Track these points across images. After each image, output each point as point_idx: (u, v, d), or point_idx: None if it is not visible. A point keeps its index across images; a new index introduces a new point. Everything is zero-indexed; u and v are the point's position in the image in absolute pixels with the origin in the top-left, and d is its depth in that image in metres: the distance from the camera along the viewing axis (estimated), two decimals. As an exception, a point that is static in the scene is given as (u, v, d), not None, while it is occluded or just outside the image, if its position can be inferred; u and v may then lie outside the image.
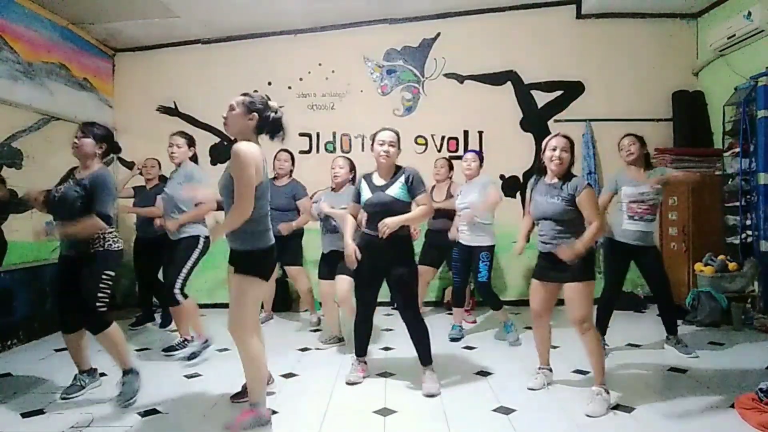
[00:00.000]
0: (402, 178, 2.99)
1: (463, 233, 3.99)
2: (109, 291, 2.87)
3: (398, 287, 3.02)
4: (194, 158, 3.79)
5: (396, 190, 2.98)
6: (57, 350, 3.95)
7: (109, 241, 2.85)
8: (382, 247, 2.92)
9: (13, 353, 3.91)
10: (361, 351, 3.23)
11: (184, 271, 3.59)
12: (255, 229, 2.44)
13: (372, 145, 3.05)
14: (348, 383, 3.11)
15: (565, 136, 2.85)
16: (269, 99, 2.64)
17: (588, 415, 2.60)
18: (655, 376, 3.23)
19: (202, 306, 4.45)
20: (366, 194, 3.04)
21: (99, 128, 2.95)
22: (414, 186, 2.96)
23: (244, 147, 2.34)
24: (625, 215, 3.53)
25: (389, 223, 2.85)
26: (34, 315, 4.24)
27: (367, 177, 3.13)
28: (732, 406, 2.64)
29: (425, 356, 3.04)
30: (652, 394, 2.89)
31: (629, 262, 3.62)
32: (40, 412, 2.73)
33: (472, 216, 3.85)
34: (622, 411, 2.66)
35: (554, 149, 2.80)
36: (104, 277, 2.83)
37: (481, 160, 4.14)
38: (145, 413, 2.70)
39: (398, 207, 2.95)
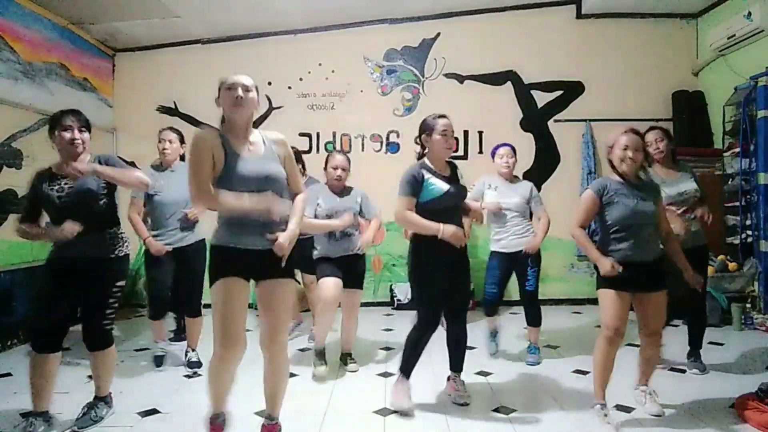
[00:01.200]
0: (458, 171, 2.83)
1: (503, 239, 3.54)
2: (117, 305, 2.58)
3: (462, 286, 2.82)
4: (182, 157, 3.51)
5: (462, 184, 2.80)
6: (57, 350, 3.95)
7: (127, 242, 2.63)
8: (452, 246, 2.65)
9: (13, 353, 3.91)
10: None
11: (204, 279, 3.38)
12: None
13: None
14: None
15: (637, 133, 2.61)
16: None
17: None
18: (655, 376, 3.22)
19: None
20: (440, 186, 2.68)
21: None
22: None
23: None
24: None
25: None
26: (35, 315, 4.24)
27: (425, 167, 2.74)
28: (732, 406, 2.64)
29: (460, 363, 2.88)
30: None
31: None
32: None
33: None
34: (622, 411, 2.66)
35: (625, 148, 2.52)
36: (116, 289, 2.54)
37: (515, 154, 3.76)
38: (145, 413, 2.70)
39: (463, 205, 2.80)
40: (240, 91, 2.16)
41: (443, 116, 2.76)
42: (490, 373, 3.30)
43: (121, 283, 2.59)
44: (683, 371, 3.26)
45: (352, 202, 3.37)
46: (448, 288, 2.68)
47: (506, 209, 3.54)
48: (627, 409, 2.68)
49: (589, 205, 2.53)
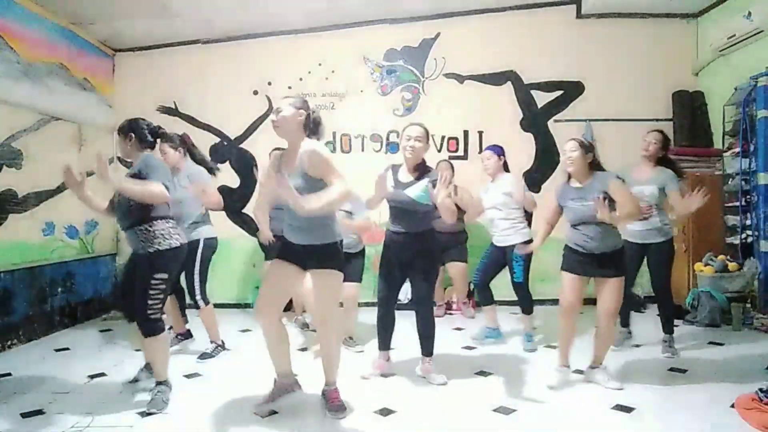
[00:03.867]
0: (426, 180, 2.92)
1: (494, 234, 3.90)
2: (161, 296, 2.75)
3: (417, 281, 3.08)
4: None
5: (418, 191, 2.92)
6: (57, 350, 3.95)
7: (159, 239, 2.72)
8: (406, 243, 2.99)
9: (13, 353, 3.91)
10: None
11: (197, 275, 3.61)
12: (332, 221, 2.58)
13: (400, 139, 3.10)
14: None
15: (576, 139, 2.95)
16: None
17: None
18: (655, 376, 3.23)
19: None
20: (389, 187, 2.99)
21: (125, 123, 2.92)
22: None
23: (317, 146, 2.51)
24: None
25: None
26: (34, 315, 4.24)
27: (395, 168, 3.11)
28: (732, 406, 2.64)
29: (428, 348, 3.17)
30: (652, 394, 2.89)
31: (640, 259, 3.63)
32: (40, 412, 2.73)
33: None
34: (622, 411, 2.66)
35: (563, 152, 2.92)
36: (154, 281, 2.69)
37: (500, 155, 3.89)
38: (145, 413, 2.70)
39: (417, 209, 2.94)
40: (273, 116, 2.52)
41: (416, 124, 3.07)
42: (490, 373, 3.30)
43: (161, 275, 2.72)
44: (683, 371, 3.26)
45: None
46: (410, 280, 3.13)
47: (491, 208, 3.80)
48: (627, 409, 2.68)
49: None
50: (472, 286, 4.72)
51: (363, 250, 3.93)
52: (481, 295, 4.05)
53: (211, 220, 3.85)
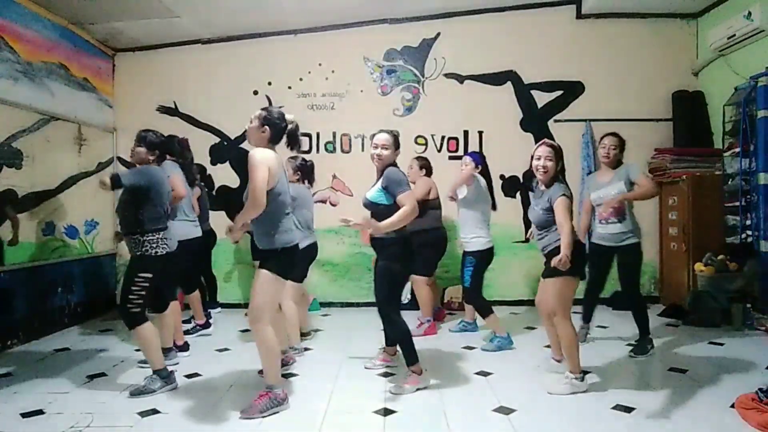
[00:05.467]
0: (380, 181, 2.99)
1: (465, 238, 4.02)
2: (143, 293, 2.99)
3: (376, 285, 3.12)
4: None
5: (373, 192, 3.00)
6: (57, 350, 3.95)
7: (146, 246, 3.02)
8: (374, 246, 3.07)
9: (13, 353, 3.91)
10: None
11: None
12: (273, 230, 2.66)
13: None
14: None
15: (551, 145, 2.98)
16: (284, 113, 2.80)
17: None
18: (655, 376, 3.23)
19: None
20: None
21: (152, 136, 3.26)
22: (390, 187, 2.92)
23: (257, 152, 2.59)
24: (596, 219, 3.68)
25: (371, 230, 2.92)
26: (34, 315, 4.24)
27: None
28: (732, 406, 2.64)
29: (405, 357, 3.05)
30: (652, 394, 2.89)
31: (608, 261, 3.73)
32: (40, 412, 2.73)
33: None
34: (622, 411, 2.66)
35: (539, 158, 2.94)
36: (138, 278, 2.99)
37: (478, 164, 4.01)
38: (145, 413, 2.70)
39: (378, 210, 2.96)
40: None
41: (381, 131, 3.09)
42: (490, 373, 3.30)
43: (145, 275, 2.99)
44: (683, 371, 3.26)
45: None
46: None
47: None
48: (627, 409, 2.68)
49: None
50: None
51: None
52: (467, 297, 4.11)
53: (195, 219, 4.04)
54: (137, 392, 2.94)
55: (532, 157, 2.99)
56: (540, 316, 3.26)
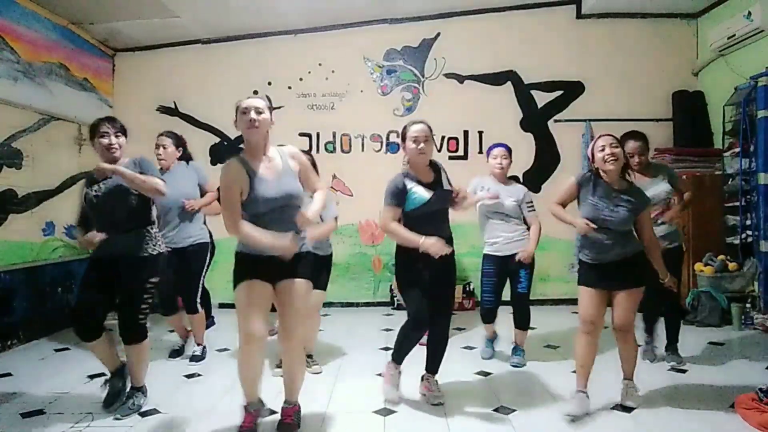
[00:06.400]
0: (444, 176, 2.77)
1: (496, 242, 3.48)
2: (152, 300, 2.75)
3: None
4: (184, 159, 3.64)
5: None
6: (57, 350, 3.95)
7: (159, 242, 2.79)
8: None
9: (13, 353, 3.91)
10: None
11: (203, 279, 3.62)
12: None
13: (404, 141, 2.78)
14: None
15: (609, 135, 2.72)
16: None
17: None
18: (655, 376, 3.23)
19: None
20: (422, 194, 2.64)
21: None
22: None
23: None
24: None
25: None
26: (34, 315, 4.24)
27: (409, 175, 2.72)
28: (732, 406, 2.64)
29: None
30: (652, 394, 2.89)
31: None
32: (40, 412, 2.73)
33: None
34: (622, 411, 2.66)
35: (602, 149, 2.62)
36: (149, 285, 2.71)
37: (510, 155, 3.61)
38: (145, 413, 2.70)
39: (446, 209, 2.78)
40: (253, 114, 2.30)
41: (418, 122, 2.76)
42: (490, 373, 3.30)
43: (154, 279, 2.73)
44: (683, 371, 3.26)
45: None
46: (430, 294, 2.69)
47: (497, 211, 3.47)
48: (627, 409, 2.68)
49: (569, 189, 2.73)
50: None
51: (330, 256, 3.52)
52: (491, 316, 3.62)
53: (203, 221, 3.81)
54: (127, 413, 2.68)
55: (602, 148, 2.63)
56: (591, 332, 2.67)
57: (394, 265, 2.84)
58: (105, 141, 2.69)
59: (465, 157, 5.56)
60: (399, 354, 2.84)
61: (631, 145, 3.23)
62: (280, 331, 2.43)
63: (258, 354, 2.38)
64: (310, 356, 3.38)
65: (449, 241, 2.70)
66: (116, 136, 2.73)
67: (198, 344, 3.69)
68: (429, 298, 2.68)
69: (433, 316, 2.71)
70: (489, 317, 3.62)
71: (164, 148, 3.54)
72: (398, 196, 2.63)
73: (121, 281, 2.67)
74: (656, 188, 3.22)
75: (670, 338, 3.47)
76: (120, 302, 2.70)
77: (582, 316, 2.66)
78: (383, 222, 2.67)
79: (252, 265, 2.33)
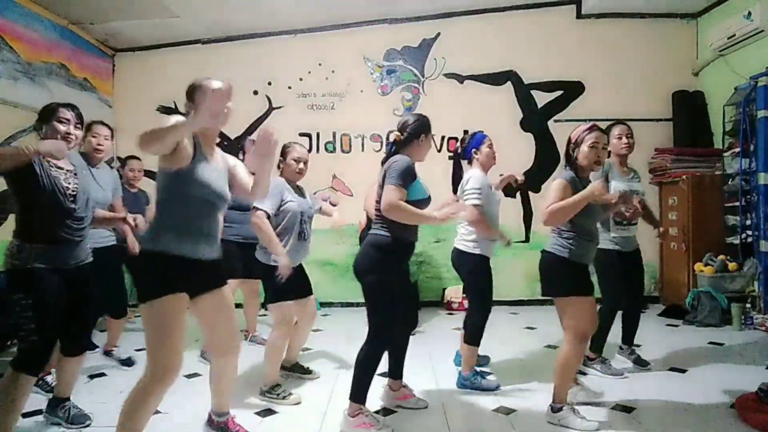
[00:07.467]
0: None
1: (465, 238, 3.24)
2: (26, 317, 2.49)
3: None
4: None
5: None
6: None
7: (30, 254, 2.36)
8: None
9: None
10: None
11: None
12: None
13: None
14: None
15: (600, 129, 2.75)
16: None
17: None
18: (654, 376, 3.22)
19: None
20: (425, 189, 2.48)
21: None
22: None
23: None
24: (612, 221, 3.11)
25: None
26: (34, 315, 4.22)
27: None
28: (732, 406, 2.64)
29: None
30: (652, 394, 2.89)
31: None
32: (40, 412, 2.73)
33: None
34: (622, 411, 2.66)
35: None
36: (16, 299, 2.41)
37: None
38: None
39: None
40: (230, 103, 2.07)
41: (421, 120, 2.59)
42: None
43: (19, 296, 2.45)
44: (683, 371, 3.26)
45: (311, 200, 3.08)
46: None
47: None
48: (627, 410, 2.68)
49: (563, 191, 2.44)
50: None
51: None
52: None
53: None
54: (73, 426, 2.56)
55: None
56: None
57: (372, 268, 2.54)
58: (63, 128, 2.38)
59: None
60: (364, 389, 2.48)
61: (619, 128, 3.27)
62: (219, 346, 2.19)
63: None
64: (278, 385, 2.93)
65: None
66: (75, 127, 2.43)
67: (116, 346, 3.74)
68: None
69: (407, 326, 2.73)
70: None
71: (105, 138, 3.08)
72: (410, 178, 2.36)
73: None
74: (632, 186, 3.21)
75: (628, 339, 3.37)
76: (79, 314, 2.54)
77: (585, 330, 2.43)
78: (391, 199, 2.28)
79: (178, 273, 1.91)
